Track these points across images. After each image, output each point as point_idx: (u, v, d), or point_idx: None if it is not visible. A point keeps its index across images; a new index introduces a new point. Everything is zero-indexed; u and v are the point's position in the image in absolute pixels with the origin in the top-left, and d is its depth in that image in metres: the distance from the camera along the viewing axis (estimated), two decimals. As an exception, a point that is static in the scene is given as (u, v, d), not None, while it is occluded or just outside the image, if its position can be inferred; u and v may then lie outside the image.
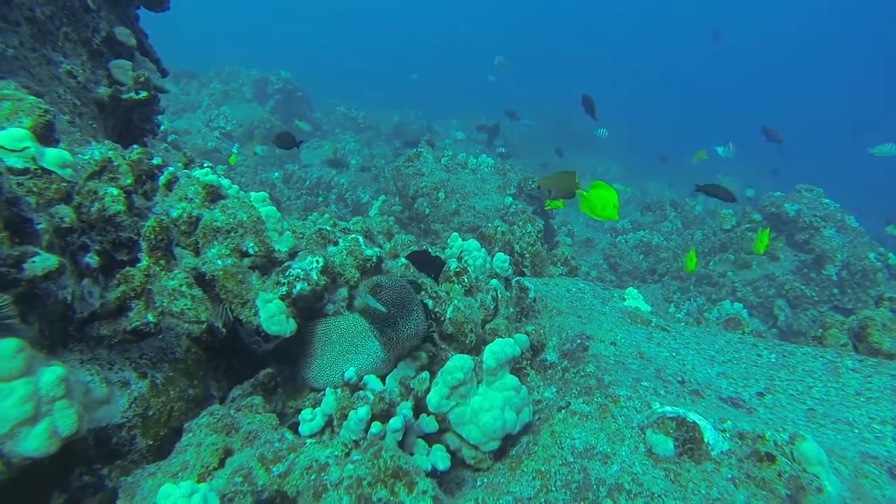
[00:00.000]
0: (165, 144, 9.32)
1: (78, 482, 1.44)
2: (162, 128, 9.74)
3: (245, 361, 2.52)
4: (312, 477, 1.27)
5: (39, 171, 1.60)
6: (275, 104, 15.98)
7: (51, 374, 1.32)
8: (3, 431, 1.21)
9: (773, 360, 2.92)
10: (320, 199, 11.46)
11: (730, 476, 1.51)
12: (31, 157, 1.58)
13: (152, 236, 1.81)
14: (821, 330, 3.30)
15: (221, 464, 1.55)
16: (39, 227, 1.46)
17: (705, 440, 1.56)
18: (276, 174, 12.43)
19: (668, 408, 1.69)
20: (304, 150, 15.28)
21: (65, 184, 1.65)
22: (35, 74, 2.36)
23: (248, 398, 1.95)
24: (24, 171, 1.56)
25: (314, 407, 2.13)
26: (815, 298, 7.88)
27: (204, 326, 1.94)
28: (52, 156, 1.68)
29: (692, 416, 1.60)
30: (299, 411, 2.21)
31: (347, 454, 1.38)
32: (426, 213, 9.05)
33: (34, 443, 1.24)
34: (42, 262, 1.36)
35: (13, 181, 1.46)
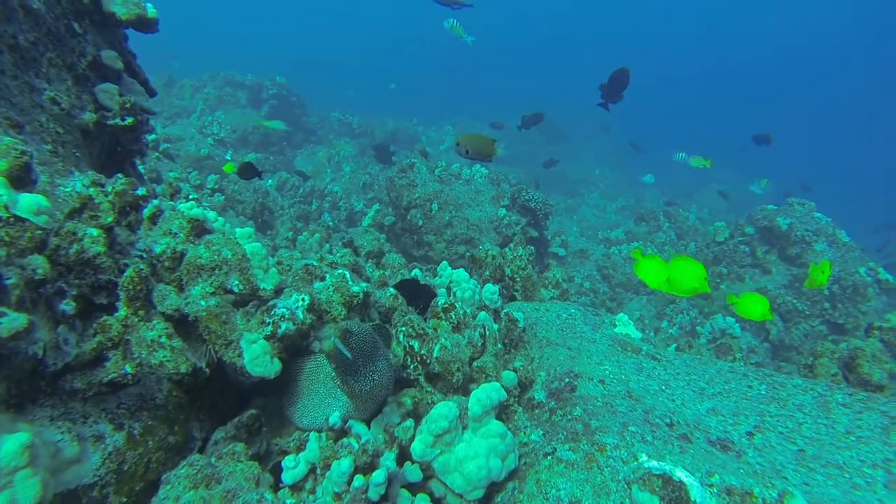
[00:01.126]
0: (157, 154, 9.25)
1: (46, 549, 1.40)
2: (153, 136, 9.67)
3: (229, 397, 2.47)
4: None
5: (12, 219, 1.56)
6: (270, 109, 15.94)
7: (13, 442, 1.28)
8: (-37, 507, 1.17)
9: (763, 392, 2.90)
10: (314, 207, 11.40)
11: (716, 538, 1.48)
12: (3, 205, 1.54)
13: (130, 287, 1.77)
14: (811, 358, 3.29)
15: (198, 523, 1.52)
16: (9, 282, 1.42)
17: (692, 499, 1.54)
18: (270, 182, 12.37)
19: (654, 463, 1.66)
20: (297, 156, 15.22)
21: (39, 232, 1.61)
22: (16, 104, 2.31)
23: (229, 444, 1.91)
24: (-3, 222, 1.52)
25: (299, 448, 2.09)
26: (807, 312, 7.91)
27: (190, 368, 1.90)
28: (26, 202, 1.63)
29: (678, 475, 1.57)
30: (284, 452, 2.18)
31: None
32: (419, 224, 9.02)
33: (-3, 517, 1.20)
34: (9, 322, 1.32)
35: (-16, 234, 1.42)
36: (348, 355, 1.75)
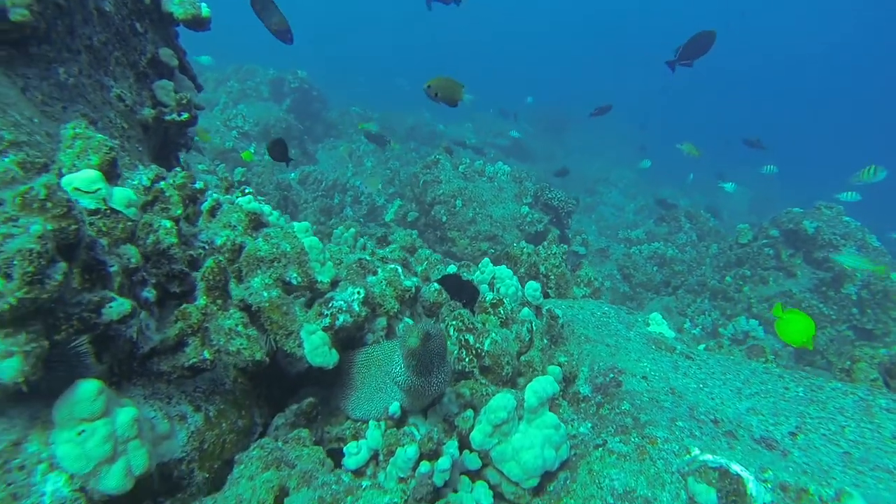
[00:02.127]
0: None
1: (144, 517, 1.51)
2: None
3: (282, 387, 2.57)
4: (376, 525, 1.32)
5: (108, 211, 1.66)
6: (291, 103, 16.08)
7: (125, 414, 1.38)
8: (87, 470, 1.27)
9: (800, 393, 2.93)
10: (336, 200, 11.52)
11: (774, 530, 1.54)
12: (101, 198, 1.64)
13: (210, 277, 1.87)
14: (849, 363, 3.30)
15: (276, 501, 1.60)
16: (112, 269, 1.52)
17: (748, 493, 1.60)
18: (293, 175, 12.50)
19: (709, 456, 1.72)
20: (318, 150, 15.36)
21: (130, 223, 1.71)
22: (91, 101, 2.43)
23: (294, 430, 2.00)
24: (96, 212, 1.62)
25: (355, 436, 2.18)
26: (834, 317, 7.84)
27: (259, 363, 2.00)
28: (120, 196, 1.74)
29: (735, 468, 1.63)
30: (338, 438, 2.27)
31: (406, 502, 1.42)
32: (443, 220, 9.08)
33: (113, 481, 1.30)
34: (118, 306, 1.42)
35: (87, 223, 1.52)
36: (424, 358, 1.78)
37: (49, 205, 1.31)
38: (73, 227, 1.34)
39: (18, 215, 1.28)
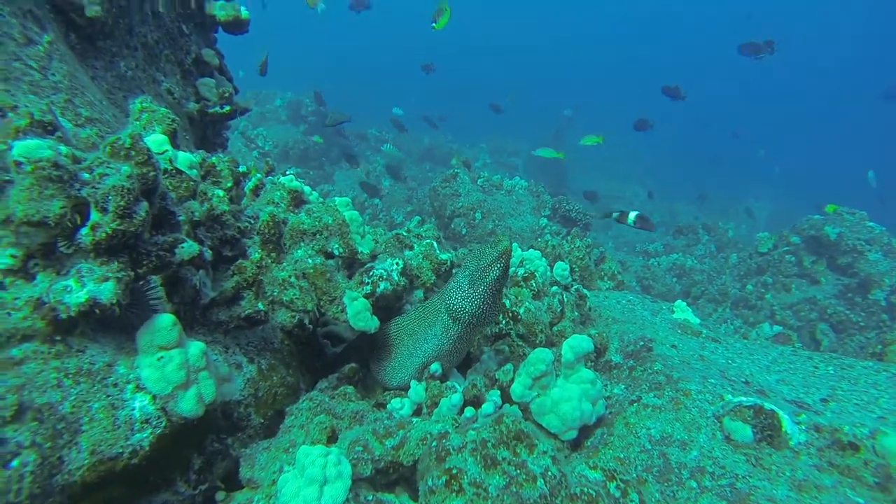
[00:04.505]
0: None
1: (210, 447, 1.60)
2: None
3: (322, 361, 2.67)
4: (433, 444, 1.40)
5: (174, 170, 1.81)
6: (307, 126, 16.48)
7: (195, 347, 1.49)
8: (166, 392, 1.38)
9: (830, 371, 2.95)
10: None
11: (812, 463, 1.59)
12: (168, 158, 1.79)
13: (266, 230, 2.00)
14: (880, 346, 3.31)
15: (329, 441, 1.69)
16: (181, 219, 1.65)
17: (783, 429, 1.65)
18: (314, 195, 12.68)
19: (743, 397, 1.78)
20: (336, 172, 15.66)
21: (192, 182, 1.86)
22: (145, 91, 2.62)
23: (339, 388, 2.10)
24: (164, 171, 1.76)
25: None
26: (862, 324, 7.72)
27: (299, 318, 2.11)
28: (184, 158, 1.89)
29: (769, 405, 1.69)
30: (380, 405, 2.35)
31: (458, 427, 1.50)
32: (463, 233, 9.20)
33: (188, 405, 1.41)
34: (188, 247, 1.55)
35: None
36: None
37: (133, 153, 1.45)
38: (153, 173, 1.48)
39: (110, 160, 1.42)
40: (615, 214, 6.46)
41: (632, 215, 6.17)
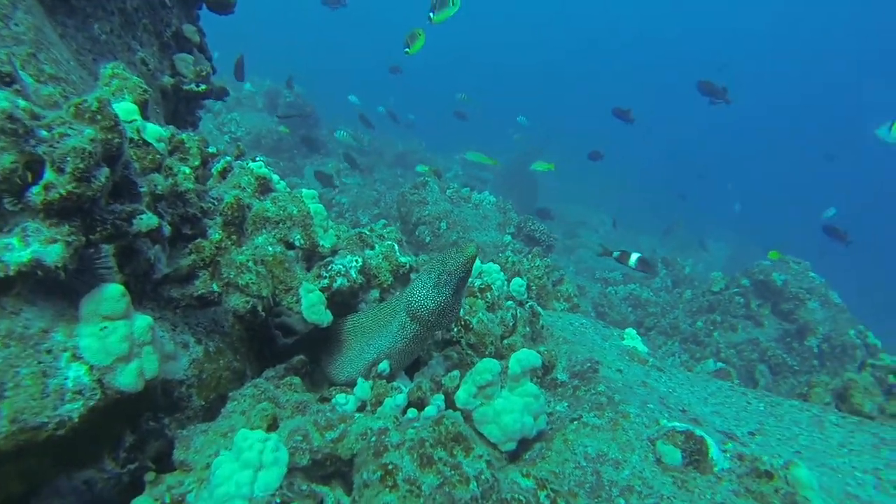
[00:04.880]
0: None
1: (145, 426, 1.56)
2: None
3: (272, 350, 2.64)
4: (373, 439, 1.40)
5: (141, 141, 1.77)
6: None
7: (142, 320, 1.46)
8: (105, 363, 1.34)
9: (761, 408, 3.10)
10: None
11: (731, 489, 1.67)
12: (136, 128, 1.75)
13: (229, 212, 1.98)
14: (806, 388, 3.50)
15: (269, 429, 1.68)
16: (142, 190, 1.62)
17: (710, 455, 1.73)
18: (282, 184, 12.49)
19: (676, 423, 1.85)
20: (307, 166, 15.48)
21: (158, 156, 1.82)
22: (118, 59, 2.55)
23: (286, 378, 2.08)
24: (130, 141, 1.72)
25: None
26: (796, 368, 8.12)
27: (252, 304, 2.08)
28: (152, 130, 1.85)
29: (700, 431, 1.77)
30: (324, 399, 2.34)
31: (399, 425, 1.51)
32: (427, 241, 9.23)
33: (127, 378, 1.38)
34: (147, 219, 1.52)
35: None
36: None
37: (99, 116, 1.42)
38: (118, 140, 1.45)
39: (72, 121, 1.39)
40: (616, 254, 6.39)
41: (633, 257, 6.09)
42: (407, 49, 6.53)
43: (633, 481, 1.71)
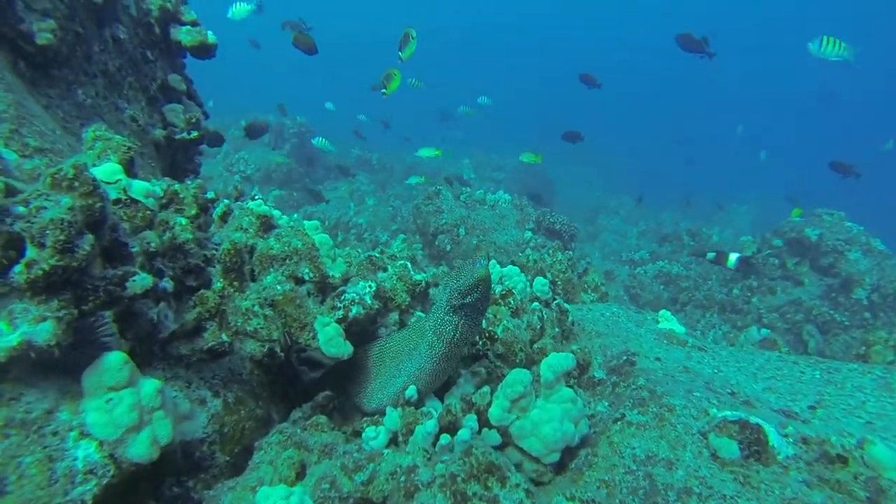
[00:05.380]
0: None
1: (169, 492, 1.50)
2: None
3: (297, 388, 2.58)
4: (402, 479, 1.32)
5: (129, 200, 1.73)
6: (291, 148, 16.39)
7: (150, 385, 1.41)
8: (115, 437, 1.29)
9: (817, 376, 2.92)
10: (339, 238, 11.62)
11: (801, 479, 1.52)
12: (122, 188, 1.71)
13: (227, 259, 1.93)
14: (864, 348, 3.28)
15: (298, 477, 1.60)
16: (134, 250, 1.58)
17: (770, 443, 1.59)
18: (295, 216, 12.60)
19: (728, 412, 1.72)
20: (320, 191, 15.58)
21: (149, 212, 1.78)
22: (107, 120, 2.54)
23: (312, 418, 2.01)
24: (117, 202, 1.69)
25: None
26: (846, 323, 7.76)
27: (269, 348, 2.02)
28: (138, 187, 1.81)
29: (755, 419, 1.63)
30: (356, 433, 2.26)
31: (430, 458, 1.42)
32: (447, 249, 9.14)
33: (140, 449, 1.32)
34: (140, 280, 1.47)
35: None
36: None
37: (77, 183, 1.38)
38: (99, 204, 1.41)
39: (49, 192, 1.35)
40: (711, 255, 5.96)
41: (732, 257, 5.67)
42: (383, 90, 6.70)
43: (689, 482, 1.58)
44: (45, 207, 1.29)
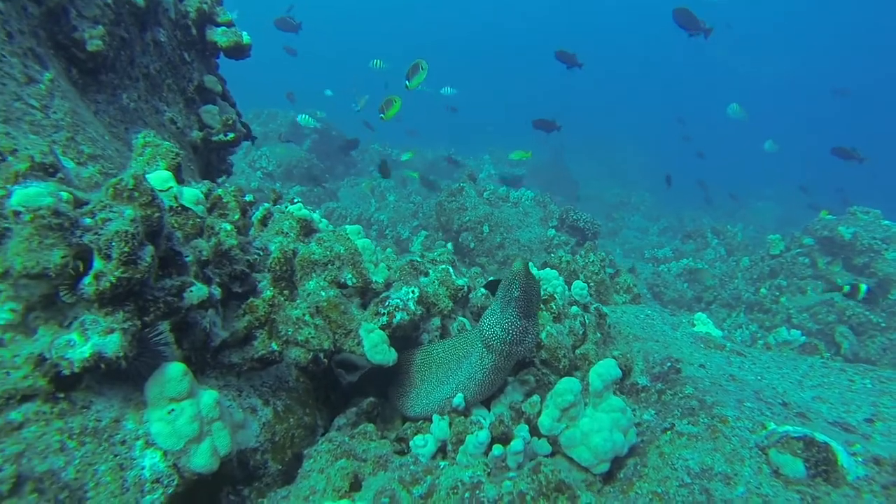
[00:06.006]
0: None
1: (225, 501, 1.51)
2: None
3: (337, 392, 2.58)
4: (466, 495, 1.30)
5: (179, 208, 1.73)
6: (311, 143, 16.44)
7: (208, 396, 1.41)
8: (178, 447, 1.29)
9: (868, 385, 2.83)
10: (361, 234, 11.58)
11: None
12: (173, 195, 1.72)
13: (277, 267, 1.93)
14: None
15: (352, 488, 1.60)
16: (188, 259, 1.58)
17: (839, 463, 1.54)
18: (318, 212, 12.67)
19: (790, 427, 1.67)
20: (340, 188, 15.64)
21: (199, 219, 1.78)
22: (148, 123, 2.56)
23: (359, 426, 2.00)
24: (170, 209, 1.69)
25: (416, 434, 2.16)
26: (883, 325, 7.54)
27: (314, 354, 2.02)
28: (189, 194, 1.82)
29: (822, 437, 1.58)
30: (399, 438, 2.25)
31: (490, 473, 1.40)
32: (471, 246, 9.10)
33: (202, 459, 1.32)
34: (198, 291, 1.47)
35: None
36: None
37: (136, 194, 1.38)
38: (157, 214, 1.41)
39: (112, 203, 1.35)
40: (846, 288, 6.57)
41: (863, 289, 6.25)
42: (382, 115, 6.82)
43: (751, 499, 1.54)
44: (110, 219, 1.29)
